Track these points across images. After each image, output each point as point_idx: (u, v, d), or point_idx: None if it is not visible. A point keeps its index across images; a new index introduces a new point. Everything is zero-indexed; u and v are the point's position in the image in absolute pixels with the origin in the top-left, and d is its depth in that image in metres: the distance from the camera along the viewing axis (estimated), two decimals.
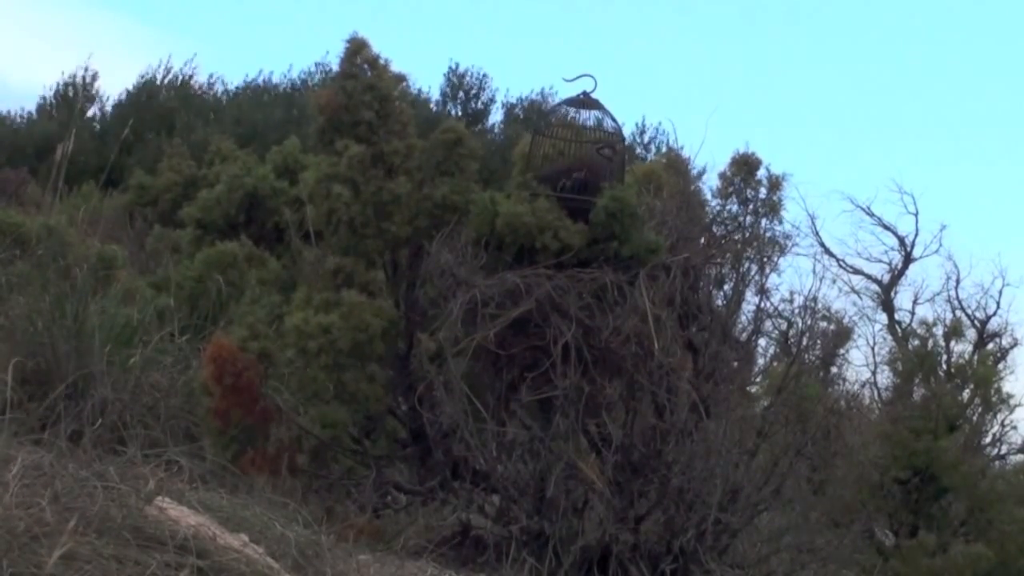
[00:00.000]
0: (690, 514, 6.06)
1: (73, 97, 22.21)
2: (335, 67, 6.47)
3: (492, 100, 24.88)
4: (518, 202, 6.10)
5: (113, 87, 24.63)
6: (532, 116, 22.60)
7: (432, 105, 23.38)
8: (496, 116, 24.78)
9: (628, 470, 6.09)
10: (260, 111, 22.03)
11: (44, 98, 22.83)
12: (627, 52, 34.41)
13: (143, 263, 10.55)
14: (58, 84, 22.79)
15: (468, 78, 24.79)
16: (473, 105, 24.59)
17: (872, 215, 20.29)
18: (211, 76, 24.29)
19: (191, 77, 23.52)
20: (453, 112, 23.60)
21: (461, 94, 24.65)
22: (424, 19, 34.70)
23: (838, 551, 7.31)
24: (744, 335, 6.92)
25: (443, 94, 24.57)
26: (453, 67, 24.78)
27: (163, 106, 22.06)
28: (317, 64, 24.20)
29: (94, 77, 22.87)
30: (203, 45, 37.62)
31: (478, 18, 35.17)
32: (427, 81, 24.38)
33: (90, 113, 22.59)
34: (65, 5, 35.11)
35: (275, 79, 24.54)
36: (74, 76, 22.81)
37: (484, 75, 24.82)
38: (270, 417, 6.03)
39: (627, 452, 6.10)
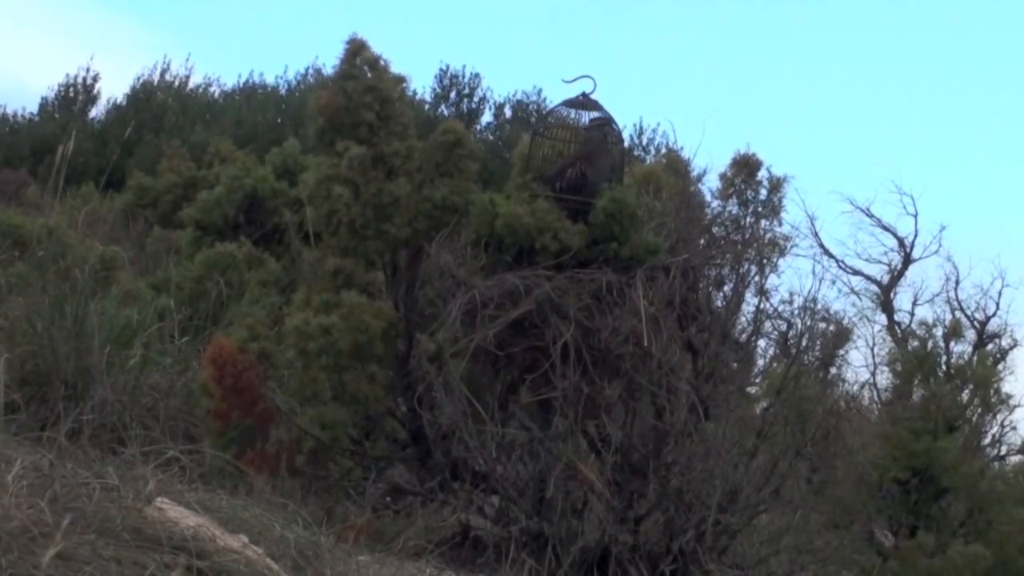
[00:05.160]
0: (689, 515, 6.06)
1: (74, 98, 22.21)
2: (328, 69, 6.48)
3: (485, 100, 24.85)
4: (517, 203, 6.11)
5: (115, 88, 24.65)
6: (528, 117, 22.61)
7: (425, 106, 23.37)
8: (489, 116, 24.77)
9: (627, 471, 6.10)
10: (256, 112, 22.04)
11: (45, 99, 22.83)
12: (626, 52, 34.41)
13: (143, 264, 10.55)
14: (61, 85, 22.79)
15: (460, 79, 24.77)
16: (466, 105, 24.57)
17: (871, 216, 20.26)
18: (208, 77, 24.31)
19: (188, 78, 23.53)
20: (446, 113, 23.57)
21: (454, 94, 24.63)
22: (416, 18, 34.70)
23: (837, 552, 7.31)
24: (744, 336, 6.93)
25: (435, 95, 24.55)
26: (444, 68, 24.75)
27: (161, 107, 22.06)
28: (308, 67, 24.22)
29: (95, 78, 22.86)
30: (200, 46, 37.68)
31: (472, 18, 35.19)
32: (420, 82, 24.33)
33: (91, 115, 22.59)
34: (73, 5, 35.18)
35: (268, 80, 24.55)
36: (75, 77, 22.80)
37: (477, 75, 24.81)
38: (270, 418, 6.04)
39: (626, 453, 6.10)
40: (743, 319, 6.91)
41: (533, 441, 5.99)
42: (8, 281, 7.09)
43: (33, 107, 23.03)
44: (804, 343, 7.01)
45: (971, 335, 17.33)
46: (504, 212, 6.07)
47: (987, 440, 12.12)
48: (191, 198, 10.54)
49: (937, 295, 19.49)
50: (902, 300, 19.88)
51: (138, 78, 23.07)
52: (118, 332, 6.61)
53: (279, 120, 21.18)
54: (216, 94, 23.83)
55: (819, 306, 7.10)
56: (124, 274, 8.65)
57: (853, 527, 8.70)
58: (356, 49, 6.24)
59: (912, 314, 19.34)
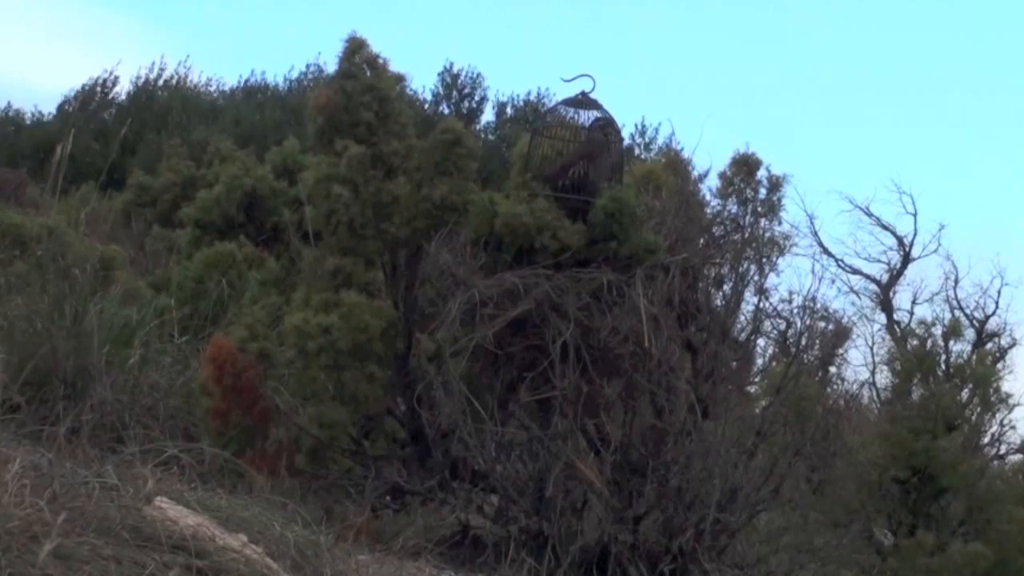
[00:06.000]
0: (689, 514, 6.06)
1: (90, 100, 22.25)
2: (330, 68, 6.48)
3: (486, 99, 24.89)
4: (517, 202, 6.11)
5: (117, 87, 24.70)
6: (528, 116, 22.63)
7: (425, 105, 23.39)
8: (489, 116, 24.81)
9: (627, 470, 6.09)
10: (257, 111, 22.05)
11: (66, 98, 22.85)
12: (626, 52, 34.42)
13: (142, 264, 10.56)
14: (84, 86, 22.79)
15: (462, 78, 24.80)
16: (467, 105, 24.60)
17: (871, 215, 20.28)
18: (210, 78, 24.33)
19: (186, 77, 23.55)
20: (447, 112, 23.59)
21: (455, 94, 24.66)
22: (418, 18, 34.72)
23: (837, 551, 7.31)
24: (743, 335, 6.92)
25: (435, 94, 24.58)
26: (447, 67, 24.79)
27: (162, 106, 22.06)
28: (309, 65, 24.24)
29: (115, 81, 22.91)
30: (201, 45, 37.69)
31: (474, 17, 35.19)
32: (421, 81, 24.39)
33: (104, 116, 22.63)
34: (75, 4, 35.19)
35: (270, 79, 24.59)
36: (97, 79, 22.86)
37: (478, 75, 24.85)
38: (269, 417, 6.04)
39: (626, 452, 6.10)
40: (742, 318, 6.91)
41: (532, 440, 5.99)
42: (8, 280, 7.08)
43: (41, 106, 23.09)
44: (803, 342, 7.01)
45: (970, 334, 17.35)
46: (503, 211, 6.08)
47: (986, 439, 12.12)
48: (190, 197, 10.54)
49: (936, 294, 19.51)
50: (901, 299, 19.90)
51: (137, 77, 23.11)
52: (117, 331, 6.60)
53: (281, 118, 21.20)
54: (215, 93, 23.86)
55: (818, 305, 7.11)
56: (123, 273, 8.65)
57: (852, 526, 8.71)
58: (355, 48, 6.24)
59: (911, 313, 19.37)
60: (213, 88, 24.11)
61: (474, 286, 5.98)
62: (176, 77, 23.44)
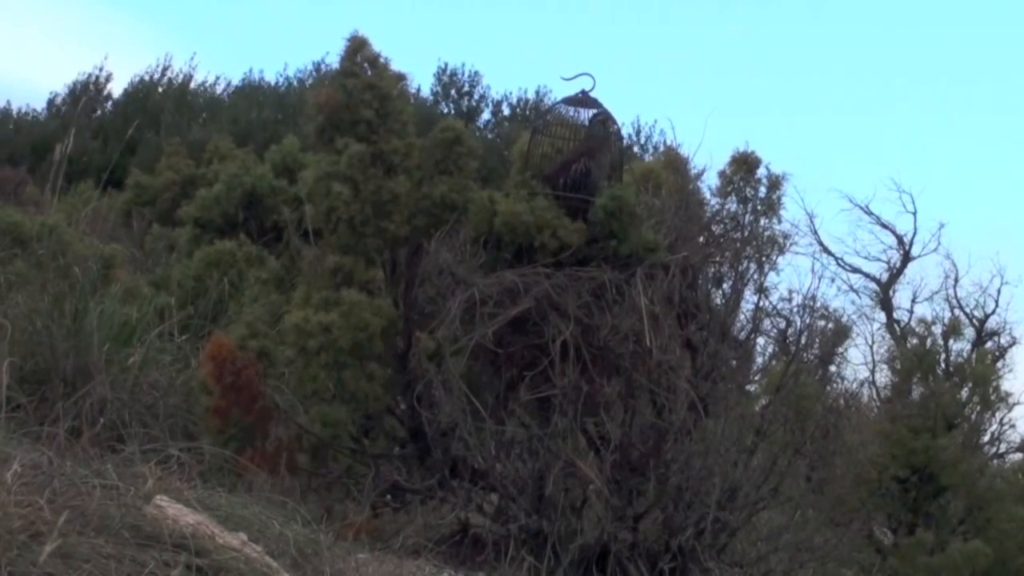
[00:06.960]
0: (689, 513, 6.06)
1: (81, 96, 22.20)
2: (329, 66, 6.48)
3: (484, 98, 24.89)
4: (517, 201, 6.10)
5: (114, 86, 24.68)
6: (528, 115, 22.64)
7: (427, 103, 23.41)
8: (489, 114, 24.82)
9: (627, 469, 6.09)
10: (254, 110, 22.04)
11: (55, 94, 22.82)
12: (625, 50, 34.42)
13: (142, 262, 10.55)
14: (76, 83, 22.76)
15: (460, 76, 24.81)
16: (466, 103, 24.60)
17: (870, 214, 20.30)
18: (212, 76, 24.32)
19: (190, 77, 23.54)
20: (445, 111, 23.60)
21: (453, 92, 24.67)
22: (416, 16, 34.73)
23: (837, 550, 7.31)
24: (743, 334, 6.93)
25: (434, 93, 24.59)
26: (443, 66, 24.80)
27: (158, 105, 22.05)
28: (307, 64, 24.27)
29: (108, 78, 22.87)
30: (200, 44, 37.74)
31: (474, 16, 35.20)
32: (420, 80, 24.44)
33: (97, 113, 22.59)
34: (74, 3, 35.19)
35: (268, 78, 24.61)
36: (89, 76, 22.81)
37: (476, 73, 24.86)
38: (269, 416, 6.03)
39: (626, 451, 6.10)
40: (742, 317, 6.92)
41: (532, 439, 5.99)
42: (7, 279, 7.08)
43: (39, 105, 23.04)
44: (803, 341, 7.01)
45: (970, 333, 17.37)
46: (503, 210, 6.08)
47: (986, 438, 12.14)
48: (190, 196, 10.54)
49: (936, 293, 19.52)
50: (901, 298, 19.91)
51: (138, 76, 23.10)
52: (117, 330, 6.60)
53: (279, 117, 21.19)
54: (219, 91, 23.85)
55: (818, 304, 7.11)
56: (123, 272, 8.64)
57: (852, 525, 8.71)
58: (356, 46, 6.24)
59: (911, 312, 19.38)
60: (220, 87, 24.12)
61: (474, 285, 5.98)
62: (180, 75, 23.43)
